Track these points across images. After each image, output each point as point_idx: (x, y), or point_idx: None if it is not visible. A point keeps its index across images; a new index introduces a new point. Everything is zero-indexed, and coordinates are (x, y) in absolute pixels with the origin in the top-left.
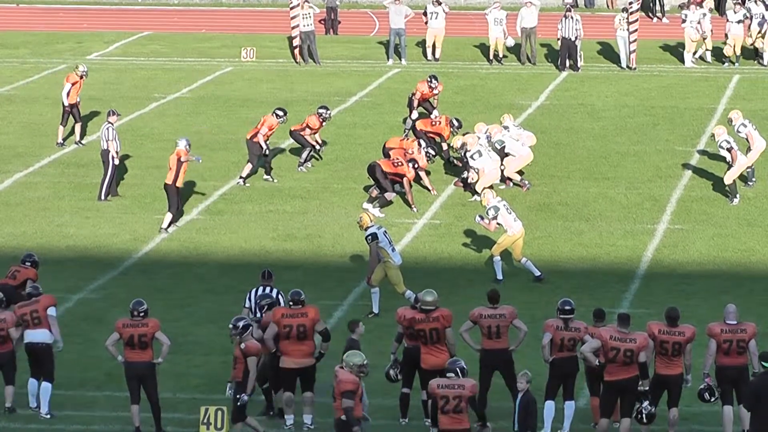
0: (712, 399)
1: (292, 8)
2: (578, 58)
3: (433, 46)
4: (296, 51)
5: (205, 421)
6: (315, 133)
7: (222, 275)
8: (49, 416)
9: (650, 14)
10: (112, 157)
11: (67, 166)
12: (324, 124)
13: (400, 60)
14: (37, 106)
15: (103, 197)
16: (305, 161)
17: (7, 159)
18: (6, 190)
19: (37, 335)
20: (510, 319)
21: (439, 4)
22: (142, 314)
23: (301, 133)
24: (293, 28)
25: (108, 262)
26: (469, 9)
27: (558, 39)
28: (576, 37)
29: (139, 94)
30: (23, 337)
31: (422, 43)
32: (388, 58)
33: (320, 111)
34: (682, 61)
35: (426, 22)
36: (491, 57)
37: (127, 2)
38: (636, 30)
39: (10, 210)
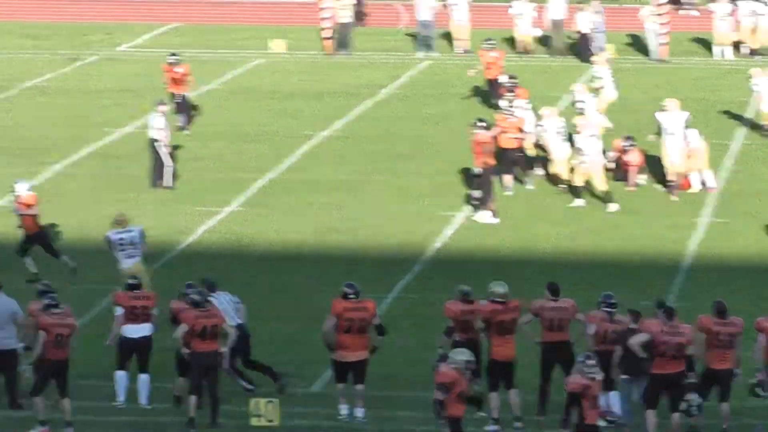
0: (766, 393)
1: None
2: (599, 50)
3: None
4: (326, 42)
5: (256, 413)
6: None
7: (264, 267)
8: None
9: (679, 6)
10: (162, 146)
11: (106, 158)
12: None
13: (430, 52)
14: (70, 98)
15: (159, 184)
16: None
17: (46, 150)
18: (45, 182)
19: (138, 330)
20: (572, 312)
21: None
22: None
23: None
24: (323, 19)
25: (150, 254)
26: (497, 1)
27: (578, 32)
28: (596, 30)
29: None
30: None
31: (448, 35)
32: (417, 51)
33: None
34: (712, 53)
35: (448, 15)
36: (520, 49)
37: None
38: (666, 22)
39: (49, 202)
